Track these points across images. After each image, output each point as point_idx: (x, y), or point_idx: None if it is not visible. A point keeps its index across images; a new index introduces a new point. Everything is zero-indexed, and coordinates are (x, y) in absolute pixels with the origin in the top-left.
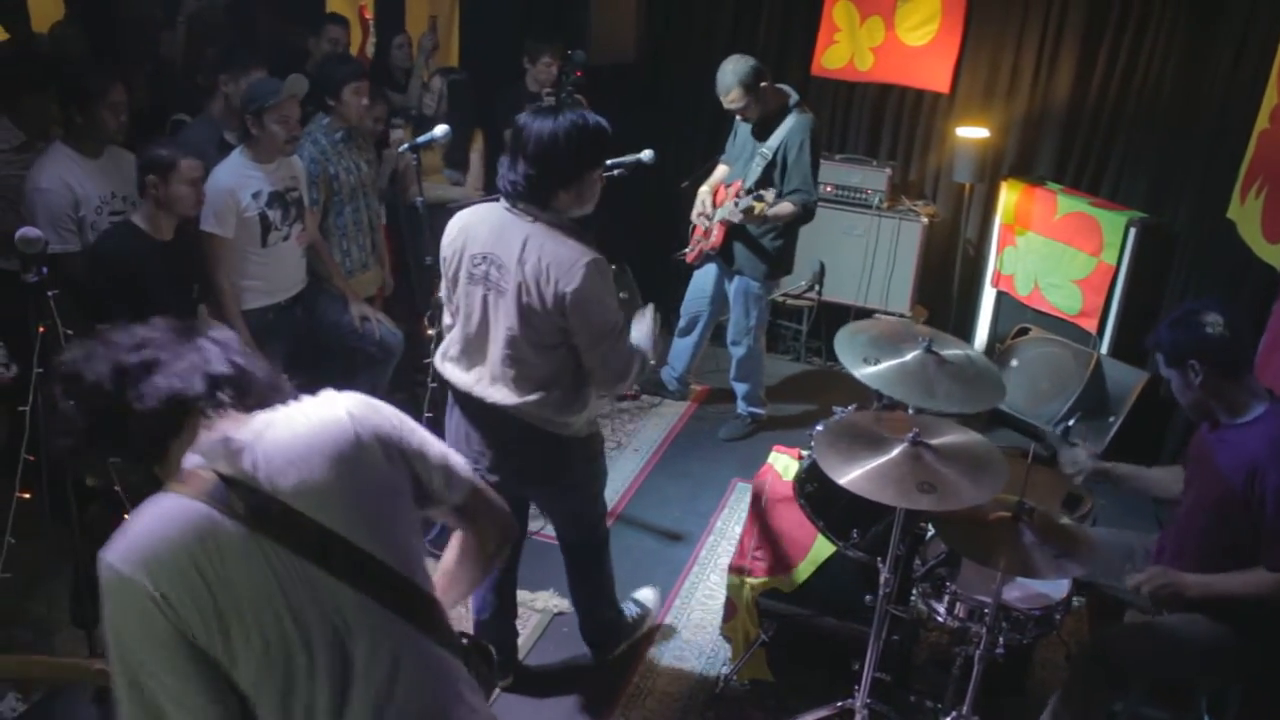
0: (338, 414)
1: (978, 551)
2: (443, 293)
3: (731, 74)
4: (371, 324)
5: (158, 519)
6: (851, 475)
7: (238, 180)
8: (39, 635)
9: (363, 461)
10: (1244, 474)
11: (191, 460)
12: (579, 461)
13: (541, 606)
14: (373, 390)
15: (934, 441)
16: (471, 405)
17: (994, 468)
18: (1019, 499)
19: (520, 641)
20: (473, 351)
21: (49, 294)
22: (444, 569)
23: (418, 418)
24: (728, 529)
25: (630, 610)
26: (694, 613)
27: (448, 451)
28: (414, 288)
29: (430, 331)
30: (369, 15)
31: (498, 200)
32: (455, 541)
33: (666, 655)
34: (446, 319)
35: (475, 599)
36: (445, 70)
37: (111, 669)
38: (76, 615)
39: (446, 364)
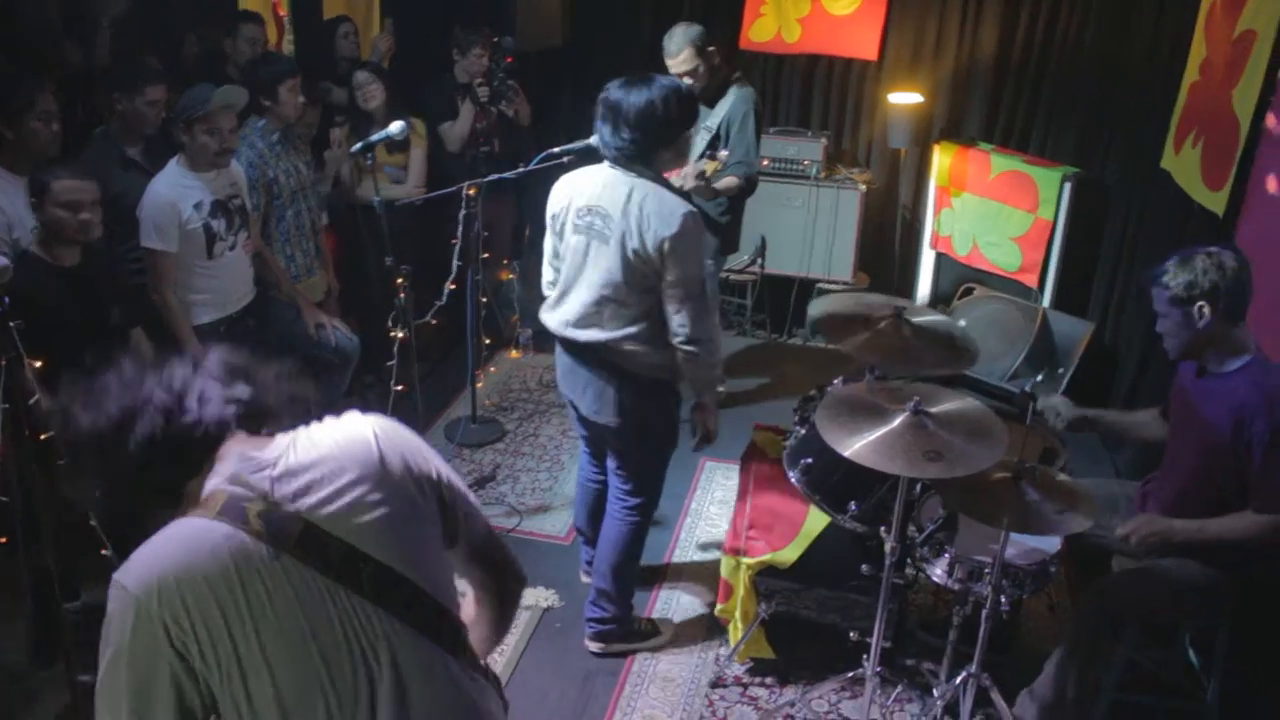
0: (364, 433)
1: (981, 512)
2: (546, 249)
3: (682, 35)
4: (327, 330)
5: (176, 542)
6: (855, 447)
7: (177, 192)
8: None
9: (390, 482)
10: (1231, 421)
11: (212, 483)
12: (658, 406)
13: (531, 603)
14: (330, 397)
15: (934, 410)
16: (568, 345)
17: (994, 432)
18: (1019, 458)
19: (513, 641)
20: (570, 295)
21: (11, 325)
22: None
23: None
24: (703, 509)
25: (637, 620)
26: (683, 596)
27: (464, 486)
28: (371, 290)
29: (396, 335)
30: (283, 11)
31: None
32: (470, 596)
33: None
34: (548, 274)
35: (575, 513)
36: (365, 64)
37: (100, 693)
38: (37, 656)
39: (546, 314)
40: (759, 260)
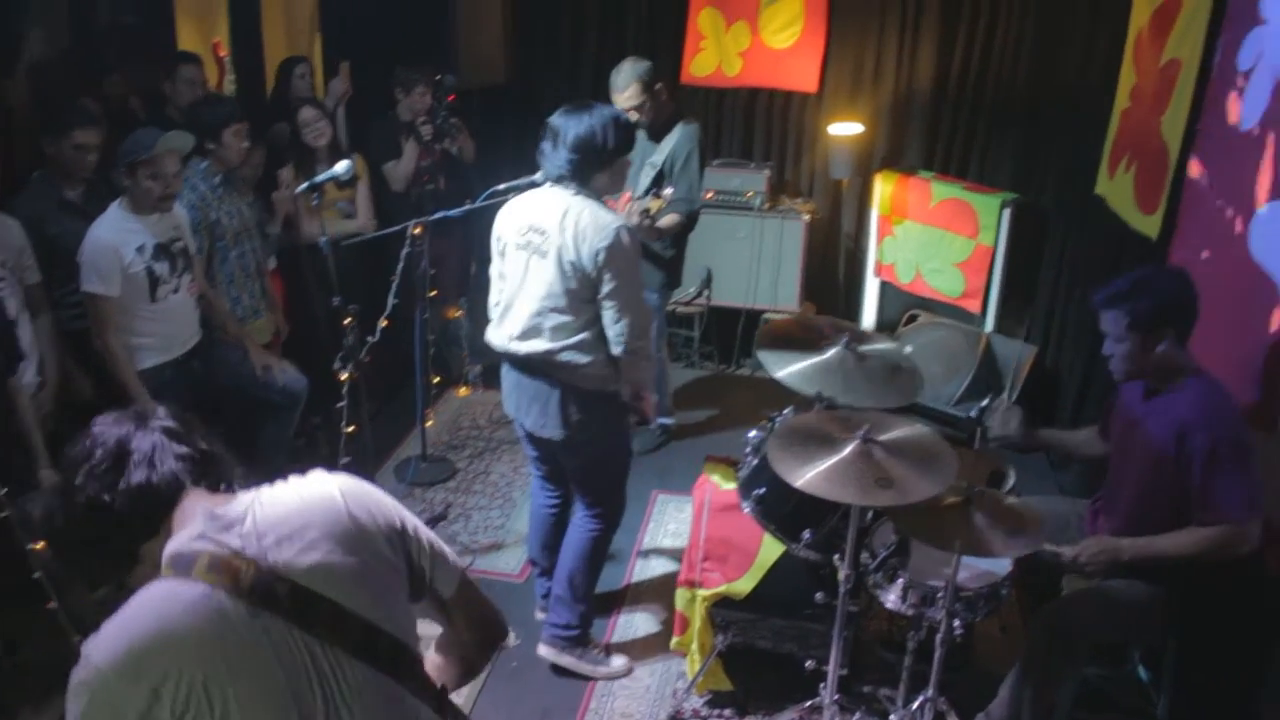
0: (329, 491)
1: (934, 537)
2: (492, 270)
3: (630, 71)
4: (274, 371)
5: (149, 609)
6: (807, 477)
7: (119, 236)
8: None
9: (359, 538)
10: (1173, 437)
11: (179, 542)
12: (605, 415)
13: None
14: (278, 439)
15: (882, 438)
16: (514, 361)
17: (943, 458)
18: (967, 483)
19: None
20: (512, 310)
21: None
22: (431, 665)
23: (331, 463)
24: (656, 541)
25: (594, 642)
26: (638, 629)
27: (435, 538)
28: (318, 331)
29: (343, 377)
30: (224, 52)
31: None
32: (439, 640)
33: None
34: (494, 296)
35: (529, 541)
36: (309, 101)
37: None
38: None
39: (491, 331)
40: (705, 292)
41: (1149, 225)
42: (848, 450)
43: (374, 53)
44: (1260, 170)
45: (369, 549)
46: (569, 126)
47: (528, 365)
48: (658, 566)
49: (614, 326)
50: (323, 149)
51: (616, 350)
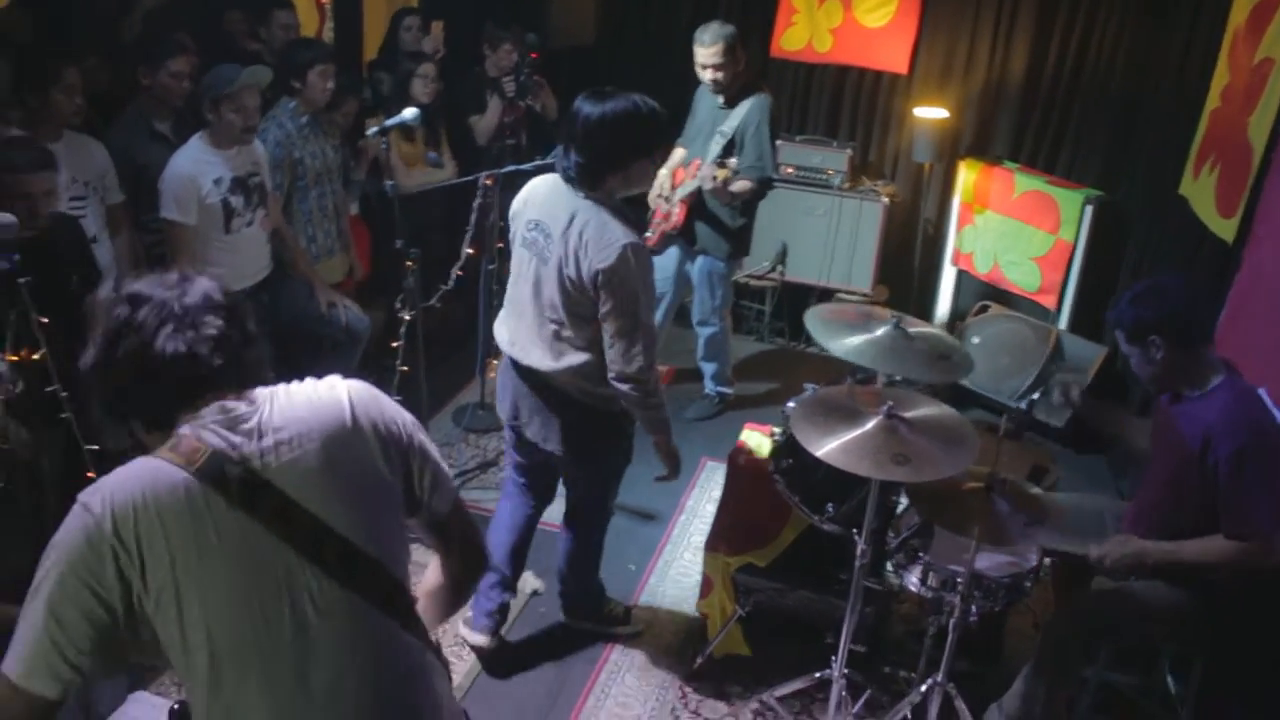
0: (338, 396)
1: (952, 521)
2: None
3: (718, 30)
4: (338, 309)
5: (137, 478)
6: (828, 448)
7: (197, 167)
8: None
9: (354, 447)
10: (1200, 443)
11: (187, 427)
12: (605, 435)
13: (519, 587)
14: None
15: (908, 414)
16: (513, 365)
17: (966, 440)
18: (991, 470)
19: None
20: (517, 314)
21: (20, 281)
22: (423, 590)
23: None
24: (699, 507)
25: (612, 599)
26: (669, 590)
27: (441, 461)
28: (385, 272)
29: (403, 316)
30: (325, 1)
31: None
32: (434, 564)
33: (644, 633)
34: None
35: (490, 540)
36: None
37: (32, 589)
38: None
39: (499, 325)
40: (779, 267)
41: (1226, 229)
42: (871, 425)
43: (468, 9)
44: None
45: (365, 461)
46: (584, 113)
47: (531, 376)
48: (696, 531)
49: (610, 350)
50: (429, 103)
51: (611, 375)
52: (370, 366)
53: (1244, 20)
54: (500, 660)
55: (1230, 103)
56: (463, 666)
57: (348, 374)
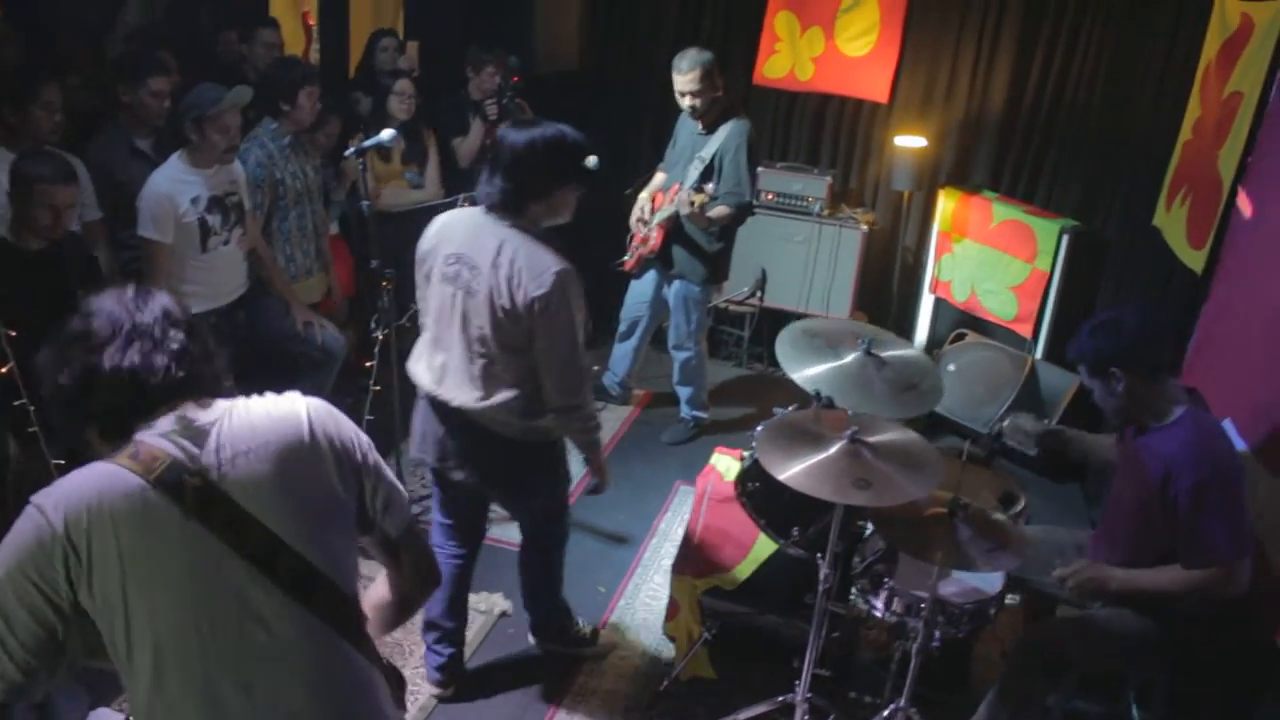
0: (297, 411)
1: (915, 546)
2: (419, 294)
3: (695, 57)
4: (314, 329)
5: (92, 483)
6: (791, 471)
7: (175, 186)
8: None
9: (309, 463)
10: (1161, 475)
11: (145, 434)
12: (541, 467)
13: (487, 608)
14: (314, 395)
15: (871, 439)
16: (436, 406)
17: (929, 465)
18: (954, 495)
19: (469, 640)
20: (442, 353)
21: None
22: (370, 603)
23: (359, 421)
24: (671, 530)
25: (580, 622)
26: (638, 613)
27: (396, 481)
28: (362, 292)
29: (376, 335)
30: (312, 21)
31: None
32: (382, 578)
33: (611, 655)
34: (423, 320)
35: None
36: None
37: None
38: None
39: (412, 363)
40: (759, 293)
41: (1196, 260)
42: (834, 449)
43: (453, 32)
44: None
45: (320, 476)
46: (508, 142)
47: (456, 415)
48: (667, 554)
49: (548, 382)
50: (405, 120)
51: (549, 404)
52: (345, 386)
53: (1215, 54)
54: (466, 682)
55: (1201, 135)
56: (425, 690)
57: (322, 393)
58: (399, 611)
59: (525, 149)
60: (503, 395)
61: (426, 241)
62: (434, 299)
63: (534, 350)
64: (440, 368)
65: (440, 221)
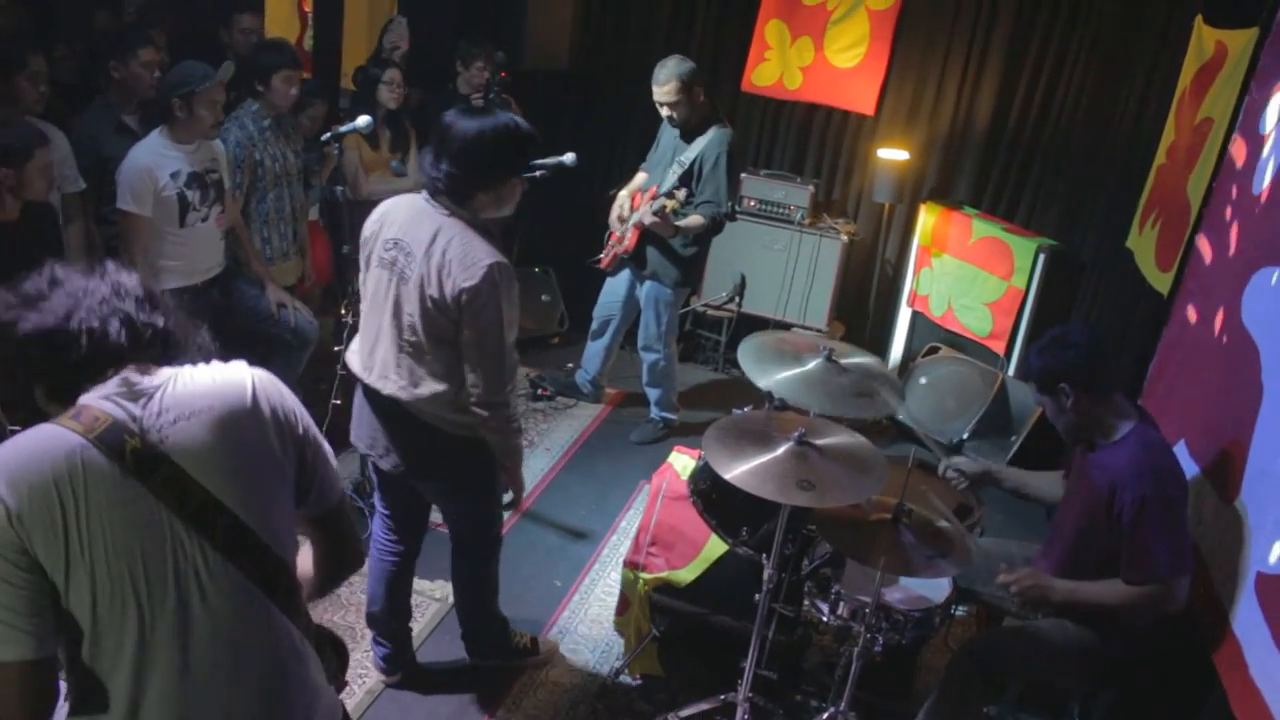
0: (241, 379)
1: (858, 550)
2: (359, 280)
3: (673, 67)
4: (288, 310)
5: (33, 443)
6: (736, 471)
7: (155, 159)
8: None
9: (251, 431)
10: (1107, 492)
11: (88, 396)
12: (473, 462)
13: (440, 595)
14: (285, 377)
15: (819, 442)
16: (369, 393)
17: (874, 470)
18: (899, 501)
19: (416, 630)
20: (373, 339)
21: None
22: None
23: (326, 406)
24: (631, 528)
25: (518, 630)
26: (591, 608)
27: (332, 459)
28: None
29: (346, 320)
30: (308, 8)
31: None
32: (305, 553)
33: (561, 648)
34: (361, 306)
35: (368, 589)
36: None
37: None
38: None
39: (351, 355)
40: (737, 298)
41: (1162, 282)
42: (781, 450)
43: (444, 26)
44: (1262, 235)
45: (261, 443)
46: (457, 129)
47: (388, 404)
48: (626, 552)
49: (470, 375)
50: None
51: (471, 400)
52: (319, 372)
53: (1190, 81)
54: (416, 669)
55: (1174, 160)
56: (374, 673)
57: (293, 376)
58: (317, 590)
59: (475, 137)
60: (431, 387)
61: (369, 226)
62: (370, 284)
63: (461, 343)
64: (370, 354)
65: (384, 207)
